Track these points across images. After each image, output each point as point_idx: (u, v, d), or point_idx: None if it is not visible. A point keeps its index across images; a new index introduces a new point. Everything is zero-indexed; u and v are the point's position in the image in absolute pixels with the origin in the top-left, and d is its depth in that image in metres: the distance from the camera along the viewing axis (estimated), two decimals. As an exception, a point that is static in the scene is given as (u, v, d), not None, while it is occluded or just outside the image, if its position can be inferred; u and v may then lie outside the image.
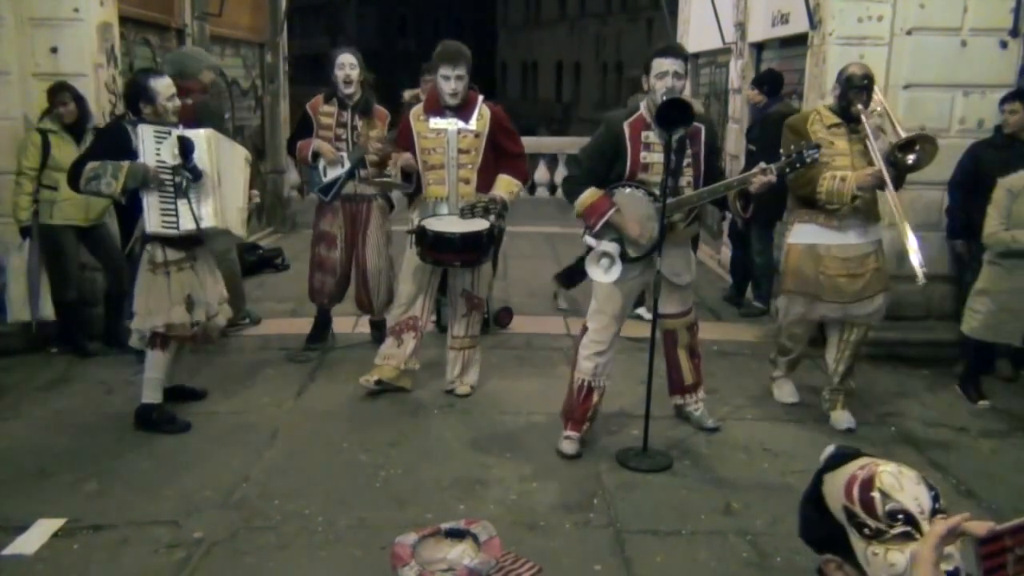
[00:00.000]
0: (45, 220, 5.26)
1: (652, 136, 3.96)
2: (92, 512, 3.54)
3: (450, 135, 4.58)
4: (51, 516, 3.48)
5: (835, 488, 1.32)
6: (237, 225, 4.38)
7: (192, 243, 4.28)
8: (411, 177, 4.69)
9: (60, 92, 5.22)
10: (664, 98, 3.75)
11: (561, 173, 12.91)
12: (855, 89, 4.23)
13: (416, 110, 4.71)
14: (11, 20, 5.43)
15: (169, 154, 4.11)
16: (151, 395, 4.36)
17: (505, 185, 4.66)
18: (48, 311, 5.38)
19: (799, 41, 6.39)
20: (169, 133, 4.14)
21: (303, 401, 4.85)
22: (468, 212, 4.48)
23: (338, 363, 5.43)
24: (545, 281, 7.30)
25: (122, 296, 5.26)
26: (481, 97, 4.71)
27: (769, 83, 6.54)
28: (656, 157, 3.95)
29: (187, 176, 4.09)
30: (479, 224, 4.49)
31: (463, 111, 4.61)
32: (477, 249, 4.54)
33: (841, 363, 4.55)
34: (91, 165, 4.06)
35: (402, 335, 4.79)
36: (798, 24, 6.26)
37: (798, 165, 3.95)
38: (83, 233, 5.39)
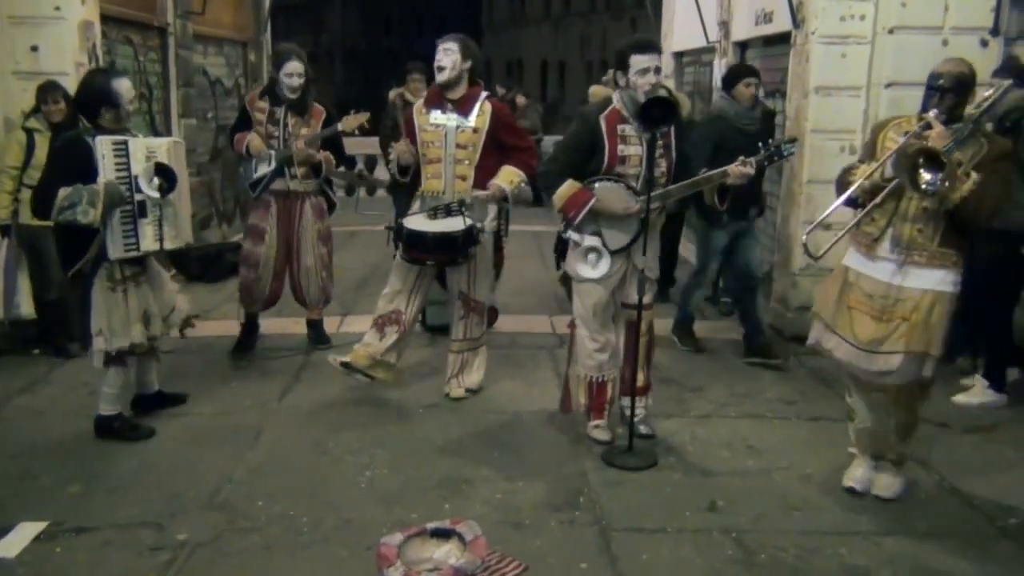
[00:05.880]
0: (25, 220, 5.19)
1: (628, 129, 3.96)
2: (75, 514, 3.51)
3: (448, 131, 4.56)
4: (33, 519, 3.45)
5: None
6: (190, 233, 4.38)
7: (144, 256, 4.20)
8: (407, 170, 4.71)
9: (51, 91, 5.17)
10: (646, 96, 3.78)
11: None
12: (930, 90, 3.50)
13: (419, 104, 4.74)
14: (-9, 18, 5.38)
15: (142, 173, 3.97)
16: (108, 408, 4.25)
17: (506, 175, 4.60)
18: (27, 309, 5.33)
19: (782, 40, 6.42)
20: (125, 144, 3.96)
21: (287, 402, 4.82)
22: (433, 214, 4.46)
23: (323, 364, 5.39)
24: (531, 280, 7.30)
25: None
26: (485, 93, 4.67)
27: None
28: (633, 150, 3.96)
29: (162, 203, 4.02)
30: (456, 224, 4.42)
31: (463, 106, 4.58)
32: (450, 250, 4.46)
33: (890, 432, 3.72)
34: (63, 193, 3.78)
35: (384, 328, 4.73)
36: (781, 23, 6.30)
37: (775, 159, 3.94)
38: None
